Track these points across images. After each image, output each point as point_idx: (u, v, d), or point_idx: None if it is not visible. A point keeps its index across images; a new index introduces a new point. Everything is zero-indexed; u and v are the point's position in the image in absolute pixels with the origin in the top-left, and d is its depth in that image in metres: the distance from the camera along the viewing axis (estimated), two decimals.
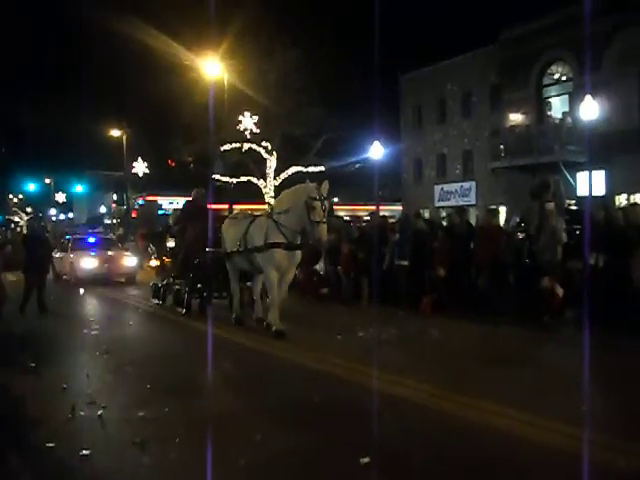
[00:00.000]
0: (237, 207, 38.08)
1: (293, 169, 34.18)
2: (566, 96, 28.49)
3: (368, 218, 21.36)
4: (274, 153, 33.97)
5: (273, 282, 10.89)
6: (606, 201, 19.75)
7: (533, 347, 9.66)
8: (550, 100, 29.39)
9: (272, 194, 33.71)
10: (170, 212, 34.85)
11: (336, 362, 8.47)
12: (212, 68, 28.43)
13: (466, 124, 34.69)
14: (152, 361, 8.99)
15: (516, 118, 29.64)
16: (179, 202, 37.19)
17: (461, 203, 32.36)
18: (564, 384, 7.15)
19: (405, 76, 38.55)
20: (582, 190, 24.91)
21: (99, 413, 6.19)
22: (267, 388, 7.25)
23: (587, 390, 6.43)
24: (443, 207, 34.97)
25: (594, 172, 23.36)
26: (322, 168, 33.98)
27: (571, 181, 25.34)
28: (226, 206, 36.62)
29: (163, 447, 5.29)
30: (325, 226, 10.30)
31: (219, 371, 7.97)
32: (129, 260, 23.04)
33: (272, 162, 34.13)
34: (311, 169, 33.98)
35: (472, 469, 4.81)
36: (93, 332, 11.43)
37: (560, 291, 11.31)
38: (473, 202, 33.23)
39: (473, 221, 19.14)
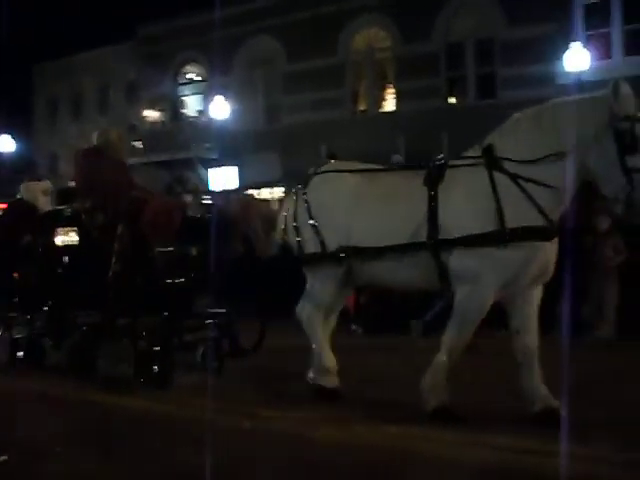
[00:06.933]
0: None
1: None
2: (200, 95, 29.77)
3: None
4: None
5: (484, 302, 5.37)
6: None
7: None
8: (185, 99, 30.45)
9: None
10: None
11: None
12: None
13: (103, 119, 34.32)
14: None
15: (153, 115, 30.16)
16: None
17: None
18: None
19: (39, 66, 36.88)
20: (216, 185, 26.21)
21: None
22: None
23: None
24: None
25: (227, 168, 24.79)
26: None
27: (205, 176, 26.50)
28: None
29: None
30: None
31: None
32: None
33: None
34: None
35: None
36: None
37: None
38: None
39: None
